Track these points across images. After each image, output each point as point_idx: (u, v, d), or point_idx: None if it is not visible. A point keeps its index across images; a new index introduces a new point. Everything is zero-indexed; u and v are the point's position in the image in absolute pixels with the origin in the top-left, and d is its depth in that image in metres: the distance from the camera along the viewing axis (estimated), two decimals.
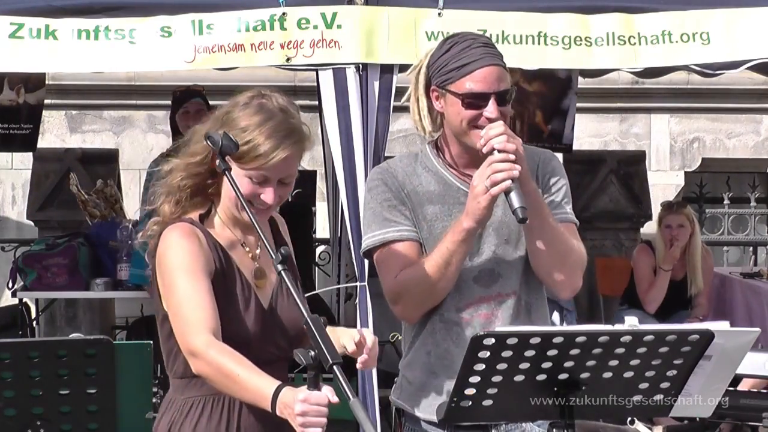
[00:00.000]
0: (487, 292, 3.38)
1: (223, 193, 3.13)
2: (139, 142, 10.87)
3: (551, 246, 3.32)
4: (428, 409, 3.38)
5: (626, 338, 2.87)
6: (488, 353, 2.84)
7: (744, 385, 5.25)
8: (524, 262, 3.41)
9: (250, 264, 3.17)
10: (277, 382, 2.85)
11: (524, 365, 2.88)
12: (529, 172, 3.32)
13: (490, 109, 3.28)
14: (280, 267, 2.87)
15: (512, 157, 3.21)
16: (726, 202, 11.27)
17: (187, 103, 7.33)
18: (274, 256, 2.90)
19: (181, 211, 3.12)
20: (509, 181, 3.20)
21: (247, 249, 3.18)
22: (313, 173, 10.49)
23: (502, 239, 3.39)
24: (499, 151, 3.21)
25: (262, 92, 3.13)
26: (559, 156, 9.38)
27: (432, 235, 3.37)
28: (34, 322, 8.01)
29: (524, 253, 3.40)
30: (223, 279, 3.09)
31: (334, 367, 2.69)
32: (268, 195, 3.07)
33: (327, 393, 2.73)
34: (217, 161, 3.03)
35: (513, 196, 3.20)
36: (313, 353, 2.73)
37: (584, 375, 2.93)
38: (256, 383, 2.87)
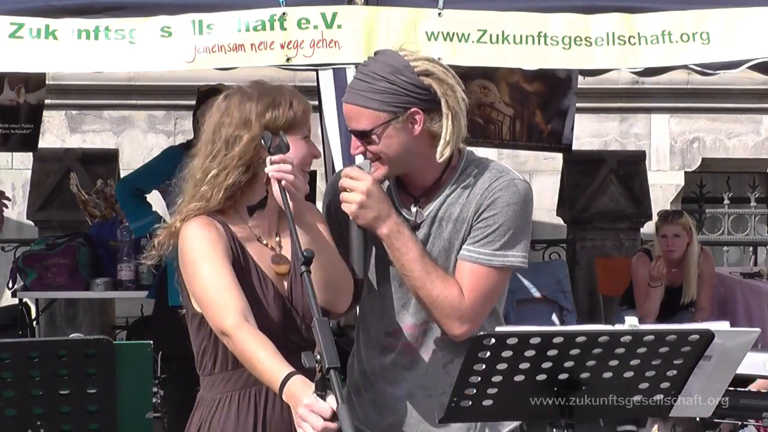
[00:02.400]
0: (413, 319, 3.35)
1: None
2: (139, 142, 10.86)
3: (417, 293, 3.28)
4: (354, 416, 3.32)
5: (626, 338, 2.87)
6: (488, 353, 2.84)
7: (756, 386, 5.24)
8: None
9: (267, 256, 3.22)
10: (290, 369, 2.87)
11: (524, 365, 2.89)
12: (386, 211, 3.24)
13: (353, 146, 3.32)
14: (303, 269, 2.87)
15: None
16: (726, 202, 11.26)
17: (210, 99, 7.33)
18: (300, 256, 2.90)
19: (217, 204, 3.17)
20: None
21: (265, 242, 3.24)
22: (313, 173, 10.47)
23: None
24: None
25: (240, 87, 3.26)
26: (559, 156, 9.50)
27: None
28: (34, 322, 8.02)
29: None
30: (241, 269, 3.14)
31: (331, 371, 2.70)
32: (315, 149, 3.25)
33: (331, 405, 2.73)
34: (267, 160, 3.09)
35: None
36: (318, 356, 2.73)
37: (584, 375, 2.93)
38: (270, 366, 2.91)
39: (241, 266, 3.15)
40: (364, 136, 3.25)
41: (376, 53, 3.40)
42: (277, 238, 3.27)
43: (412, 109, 3.22)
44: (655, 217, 8.10)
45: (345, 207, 3.26)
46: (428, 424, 3.32)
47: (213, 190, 3.16)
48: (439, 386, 3.31)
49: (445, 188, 3.32)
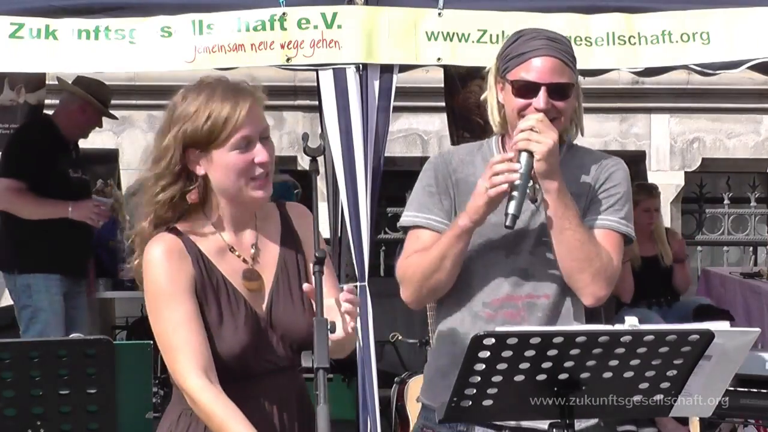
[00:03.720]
0: (516, 291, 3.35)
1: (216, 190, 3.03)
2: (139, 142, 10.86)
3: (571, 252, 3.27)
4: (439, 398, 3.30)
5: (626, 338, 2.86)
6: (488, 353, 2.84)
7: None
8: None
9: (240, 269, 3.08)
10: None
11: (524, 365, 2.88)
12: (559, 170, 3.24)
13: (539, 99, 3.26)
14: (316, 268, 2.83)
15: (514, 163, 3.20)
16: (726, 202, 11.25)
17: None
18: (316, 254, 2.85)
19: (164, 226, 3.04)
20: (506, 185, 3.19)
21: (238, 253, 3.08)
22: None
23: (540, 240, 3.35)
24: (519, 150, 3.21)
25: (189, 86, 3.11)
26: None
27: None
28: None
29: None
30: (206, 295, 3.02)
31: (319, 371, 2.70)
32: (260, 153, 3.00)
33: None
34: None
35: (511, 201, 3.19)
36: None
37: (584, 375, 2.93)
38: None
39: (211, 286, 3.02)
40: (562, 92, 3.27)
41: None
42: (253, 250, 3.10)
43: (578, 81, 3.33)
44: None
45: (538, 146, 3.19)
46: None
47: (158, 206, 3.02)
48: None
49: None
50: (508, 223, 3.19)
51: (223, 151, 2.98)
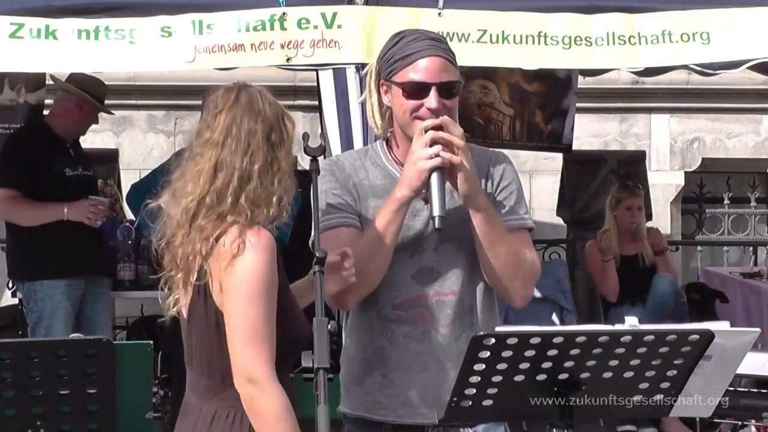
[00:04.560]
0: (424, 290, 3.34)
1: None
2: (139, 142, 10.86)
3: (506, 265, 3.28)
4: (359, 406, 3.36)
5: (626, 338, 2.87)
6: (488, 353, 2.84)
7: None
8: (468, 264, 3.35)
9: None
10: None
11: (524, 365, 2.88)
12: (477, 172, 3.25)
13: (431, 99, 3.25)
14: (317, 268, 2.86)
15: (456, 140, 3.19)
16: (726, 202, 11.25)
17: None
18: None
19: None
20: (447, 156, 3.17)
21: None
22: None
23: (443, 238, 3.33)
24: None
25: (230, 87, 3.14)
26: (559, 156, 9.49)
27: None
28: None
29: (468, 253, 3.34)
30: (282, 283, 3.08)
31: (320, 371, 2.72)
32: None
33: None
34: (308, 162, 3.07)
35: (435, 200, 3.17)
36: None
37: (584, 375, 2.93)
38: None
39: (282, 280, 3.08)
40: (450, 90, 3.28)
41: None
42: None
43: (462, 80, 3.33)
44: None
45: (454, 157, 3.17)
46: (444, 399, 3.16)
47: (268, 197, 3.05)
48: (450, 359, 3.29)
49: None
50: (438, 225, 3.16)
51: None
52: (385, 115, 3.40)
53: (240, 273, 2.97)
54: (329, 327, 2.80)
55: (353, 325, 3.43)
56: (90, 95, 6.67)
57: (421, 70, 3.26)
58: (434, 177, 3.19)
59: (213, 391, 3.06)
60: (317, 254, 2.84)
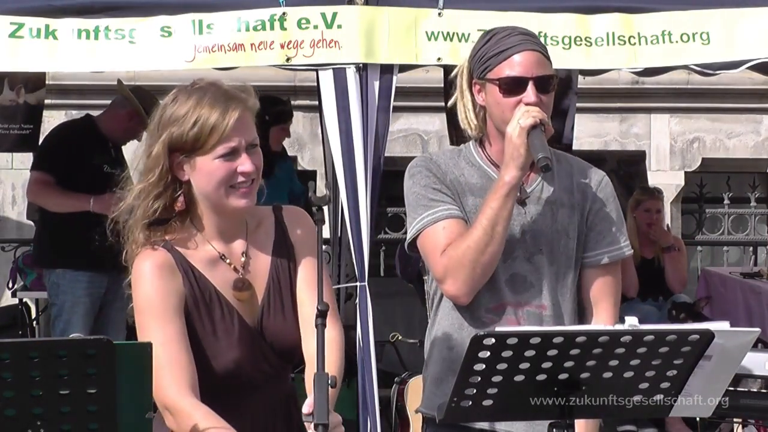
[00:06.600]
0: (516, 298, 3.32)
1: (199, 197, 3.00)
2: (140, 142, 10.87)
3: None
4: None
5: (626, 338, 2.86)
6: (488, 353, 2.84)
7: None
8: (559, 277, 3.34)
9: (231, 279, 3.05)
10: None
11: (524, 365, 2.88)
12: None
13: (529, 94, 3.24)
14: (318, 321, 2.73)
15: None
16: (726, 202, 11.26)
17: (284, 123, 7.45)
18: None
19: (156, 236, 3.01)
20: (540, 115, 3.20)
21: (229, 261, 3.06)
22: (313, 173, 10.48)
23: (537, 248, 3.32)
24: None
25: (181, 87, 3.06)
26: None
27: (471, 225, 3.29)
28: (34, 322, 8.02)
29: (558, 268, 3.33)
30: (199, 310, 3.00)
31: (319, 427, 2.64)
32: (245, 164, 2.94)
33: None
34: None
35: (537, 147, 3.15)
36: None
37: (584, 375, 2.93)
38: None
39: (203, 300, 3.00)
40: (547, 85, 3.28)
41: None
42: (243, 258, 3.07)
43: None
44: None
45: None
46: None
47: (152, 216, 3.00)
48: None
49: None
50: (543, 164, 3.15)
51: (208, 158, 2.93)
52: (479, 114, 3.36)
53: (132, 286, 3.00)
54: (329, 382, 2.72)
55: (442, 325, 3.39)
56: (145, 112, 6.70)
57: (517, 65, 3.24)
58: (533, 133, 3.19)
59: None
60: (319, 307, 2.74)
